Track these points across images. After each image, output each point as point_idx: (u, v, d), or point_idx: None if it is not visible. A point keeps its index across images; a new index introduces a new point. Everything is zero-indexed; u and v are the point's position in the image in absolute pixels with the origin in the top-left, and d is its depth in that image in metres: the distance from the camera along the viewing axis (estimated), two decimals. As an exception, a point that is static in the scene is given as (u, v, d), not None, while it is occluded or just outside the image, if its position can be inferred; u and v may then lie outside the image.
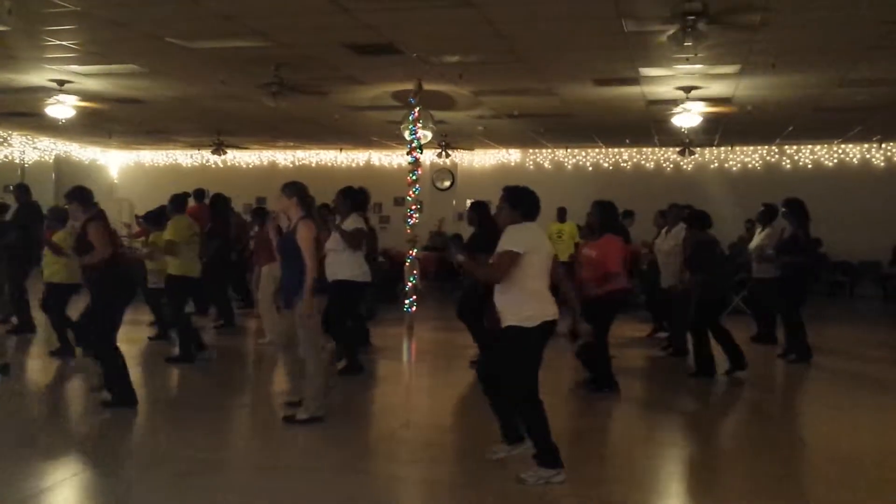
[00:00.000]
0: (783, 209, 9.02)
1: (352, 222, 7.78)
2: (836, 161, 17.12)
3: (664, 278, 9.05)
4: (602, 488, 4.73)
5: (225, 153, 18.08)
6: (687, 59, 8.98)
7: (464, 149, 18.16)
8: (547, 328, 4.70)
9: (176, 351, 8.39)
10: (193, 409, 6.59)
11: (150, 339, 9.59)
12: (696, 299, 7.95)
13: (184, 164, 20.69)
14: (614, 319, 7.25)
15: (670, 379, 8.13)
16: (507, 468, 4.81)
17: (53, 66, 10.23)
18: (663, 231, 9.38)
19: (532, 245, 4.70)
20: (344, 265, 7.60)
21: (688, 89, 10.86)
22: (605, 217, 7.16)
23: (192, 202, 11.37)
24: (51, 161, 19.02)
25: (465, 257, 4.97)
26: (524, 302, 4.66)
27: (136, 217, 11.14)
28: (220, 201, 10.94)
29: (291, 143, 18.99)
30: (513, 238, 4.69)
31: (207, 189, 12.36)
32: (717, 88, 10.89)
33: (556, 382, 7.30)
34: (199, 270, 8.54)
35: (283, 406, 6.25)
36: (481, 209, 8.16)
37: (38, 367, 8.32)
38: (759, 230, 9.89)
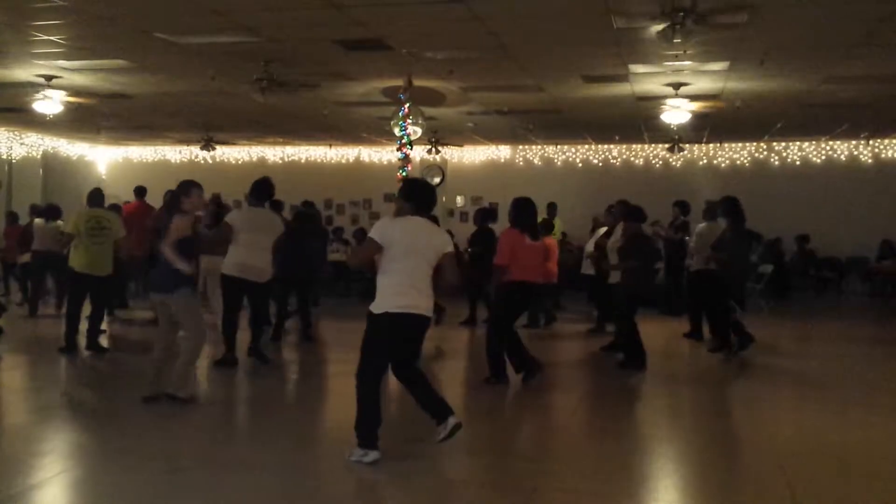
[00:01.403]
0: (719, 207, 9.22)
1: (227, 218, 8.00)
2: (823, 158, 17.20)
3: (614, 274, 9.15)
4: (582, 482, 4.77)
5: (214, 149, 18.01)
6: (676, 55, 9.01)
7: (453, 145, 18.16)
8: (396, 320, 4.80)
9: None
10: (166, 404, 6.57)
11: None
12: (623, 290, 8.19)
13: (172, 160, 20.60)
14: (511, 311, 7.41)
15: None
16: (492, 464, 4.83)
17: (41, 62, 10.16)
18: (617, 228, 9.55)
19: (397, 238, 4.80)
20: (226, 259, 7.94)
21: (677, 86, 10.90)
22: (514, 212, 7.43)
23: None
24: (38, 157, 18.89)
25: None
26: (379, 289, 4.88)
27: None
28: (173, 198, 10.93)
29: (281, 139, 18.93)
30: (378, 228, 4.88)
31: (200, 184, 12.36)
32: (705, 85, 10.93)
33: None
34: (101, 268, 8.51)
35: (169, 400, 6.22)
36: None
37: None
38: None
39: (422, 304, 4.89)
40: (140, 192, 11.94)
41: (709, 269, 9.36)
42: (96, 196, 8.98)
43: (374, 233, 4.86)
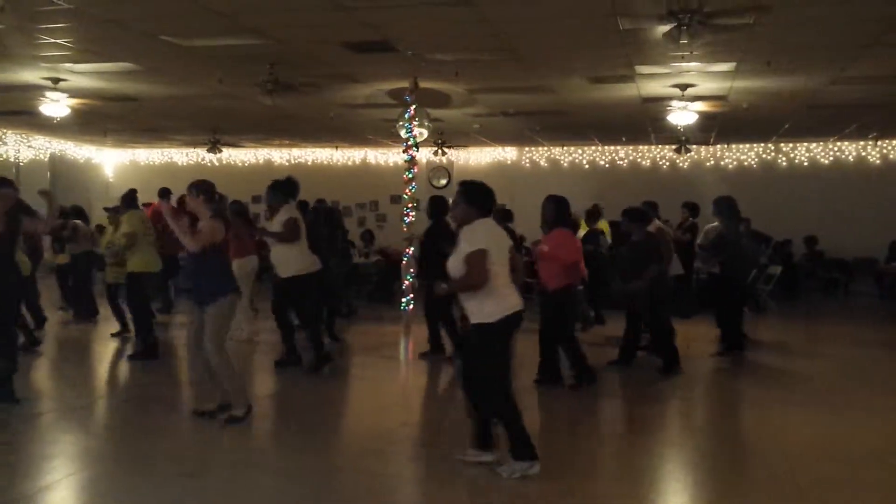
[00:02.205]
0: (712, 207, 9.15)
1: (284, 213, 7.83)
2: (831, 159, 17.13)
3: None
4: (600, 486, 4.74)
5: (220, 151, 18.03)
6: (682, 56, 8.97)
7: (460, 147, 18.14)
8: (510, 321, 4.75)
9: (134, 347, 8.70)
10: (176, 407, 6.60)
11: (112, 335, 9.80)
12: (649, 295, 8.02)
13: (179, 163, 20.63)
14: (574, 312, 7.37)
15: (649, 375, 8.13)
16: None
17: (48, 64, 10.18)
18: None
19: (489, 242, 4.72)
20: (289, 260, 7.73)
21: (683, 87, 10.85)
22: (559, 212, 7.20)
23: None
24: (46, 160, 18.93)
25: (445, 284, 4.94)
26: (484, 299, 4.70)
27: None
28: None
29: (287, 142, 18.96)
30: (474, 238, 4.72)
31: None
32: (712, 86, 10.89)
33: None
34: (158, 265, 8.62)
35: (192, 414, 6.08)
36: (438, 203, 8.52)
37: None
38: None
39: (519, 300, 4.86)
40: (164, 193, 11.85)
41: (713, 270, 9.33)
42: (135, 197, 9.07)
43: (476, 243, 4.68)
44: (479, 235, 4.72)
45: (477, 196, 4.86)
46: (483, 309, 4.70)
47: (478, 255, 4.65)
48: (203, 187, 5.96)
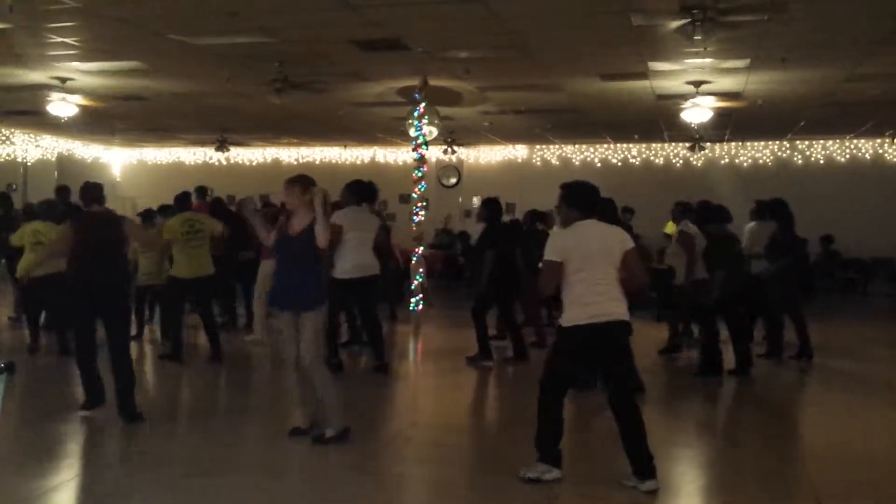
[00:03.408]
0: (766, 211, 9.04)
1: (334, 217, 7.60)
2: (848, 156, 16.94)
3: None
4: (610, 488, 4.63)
5: (228, 150, 18.01)
6: (696, 53, 8.84)
7: (470, 145, 18.04)
8: (583, 331, 4.53)
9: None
10: (192, 410, 6.54)
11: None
12: (715, 296, 7.81)
13: (187, 162, 20.63)
14: None
15: (682, 378, 8.03)
16: (514, 470, 4.71)
17: (56, 64, 10.15)
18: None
19: (572, 247, 4.55)
20: (335, 260, 7.55)
21: (697, 84, 10.73)
22: (607, 213, 6.87)
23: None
24: (53, 159, 18.96)
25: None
26: (567, 304, 4.64)
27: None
28: (219, 203, 10.88)
29: (295, 140, 18.92)
30: (551, 245, 4.61)
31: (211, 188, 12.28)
32: (726, 83, 10.75)
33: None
34: (206, 269, 8.24)
35: (290, 435, 5.60)
36: (491, 206, 8.35)
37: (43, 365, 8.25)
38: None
39: (614, 309, 4.57)
40: (201, 192, 11.63)
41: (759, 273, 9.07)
42: (184, 199, 8.60)
43: (549, 253, 4.56)
44: (556, 243, 4.60)
45: (576, 197, 4.69)
46: (564, 311, 4.66)
47: (545, 265, 4.60)
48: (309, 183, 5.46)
